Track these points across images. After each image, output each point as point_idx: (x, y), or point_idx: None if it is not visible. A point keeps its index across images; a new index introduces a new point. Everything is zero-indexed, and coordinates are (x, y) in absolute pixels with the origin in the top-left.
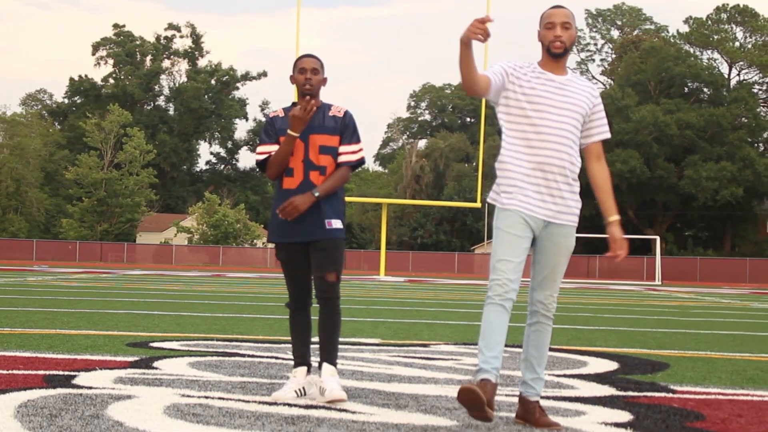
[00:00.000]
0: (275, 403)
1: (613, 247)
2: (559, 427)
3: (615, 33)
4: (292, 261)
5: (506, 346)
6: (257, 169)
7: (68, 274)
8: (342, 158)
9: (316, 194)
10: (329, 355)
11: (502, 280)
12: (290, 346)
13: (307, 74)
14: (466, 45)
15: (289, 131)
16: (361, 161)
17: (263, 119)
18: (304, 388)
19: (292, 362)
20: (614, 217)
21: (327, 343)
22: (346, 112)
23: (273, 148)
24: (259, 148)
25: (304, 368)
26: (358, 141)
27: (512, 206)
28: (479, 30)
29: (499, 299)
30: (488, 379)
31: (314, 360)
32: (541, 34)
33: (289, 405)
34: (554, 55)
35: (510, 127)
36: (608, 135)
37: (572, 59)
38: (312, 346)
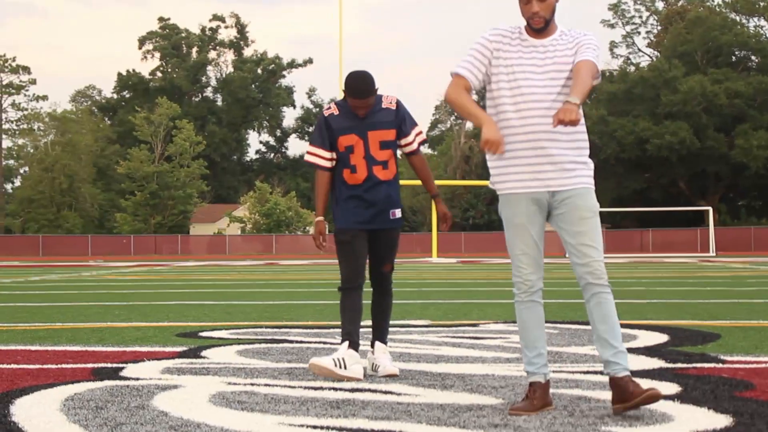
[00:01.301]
0: (321, 388)
1: (557, 114)
2: (658, 393)
3: (660, 4)
4: (355, 243)
5: (553, 322)
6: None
7: (122, 267)
8: (407, 149)
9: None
10: (382, 335)
11: (523, 278)
12: (339, 330)
13: (361, 111)
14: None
15: (313, 228)
16: (424, 141)
17: (310, 106)
18: (344, 359)
19: (345, 341)
20: (574, 98)
21: (380, 323)
22: (398, 103)
23: (323, 154)
24: (311, 148)
25: (347, 343)
26: (414, 125)
27: (509, 189)
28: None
29: (526, 296)
30: (537, 382)
31: (364, 344)
32: (520, 8)
33: (334, 389)
34: (536, 30)
35: (497, 102)
36: (590, 57)
37: (617, 32)
38: (362, 329)
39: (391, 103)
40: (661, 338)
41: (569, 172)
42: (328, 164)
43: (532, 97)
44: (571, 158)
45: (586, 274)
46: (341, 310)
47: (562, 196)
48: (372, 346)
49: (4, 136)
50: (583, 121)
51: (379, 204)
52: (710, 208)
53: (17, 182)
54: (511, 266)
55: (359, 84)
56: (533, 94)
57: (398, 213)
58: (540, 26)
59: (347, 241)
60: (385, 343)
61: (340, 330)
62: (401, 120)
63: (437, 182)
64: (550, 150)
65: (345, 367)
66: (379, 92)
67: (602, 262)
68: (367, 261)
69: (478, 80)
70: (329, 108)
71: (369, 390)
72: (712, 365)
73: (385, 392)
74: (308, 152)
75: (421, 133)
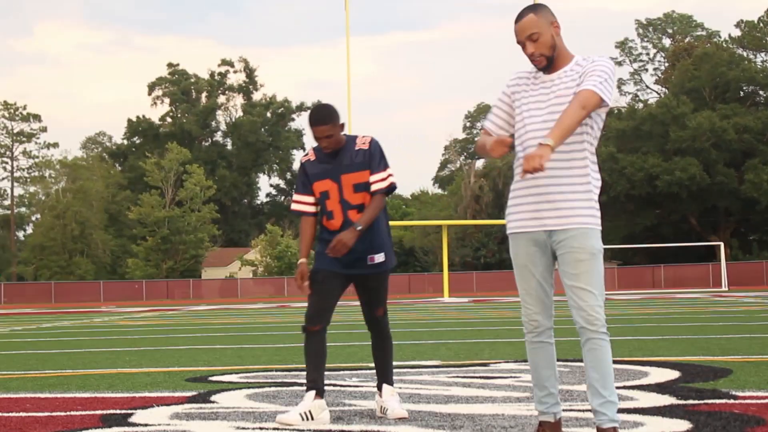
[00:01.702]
0: (330, 431)
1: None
2: None
3: (667, 41)
4: (325, 283)
5: (565, 360)
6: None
7: (134, 313)
8: (374, 187)
9: (358, 228)
10: (386, 377)
11: (530, 318)
12: (349, 373)
13: (323, 142)
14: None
15: (298, 270)
16: (392, 187)
17: None
18: (310, 411)
19: (310, 389)
20: (546, 140)
21: (383, 365)
22: (371, 141)
23: (306, 200)
24: (295, 196)
25: (313, 392)
26: (385, 167)
27: (511, 229)
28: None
29: (534, 337)
30: (546, 422)
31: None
32: (523, 52)
33: None
34: (541, 70)
35: (515, 146)
36: (588, 86)
37: (625, 70)
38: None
39: (364, 143)
40: (673, 374)
41: (566, 211)
42: (312, 209)
43: (532, 135)
44: (569, 197)
45: (580, 319)
46: (305, 354)
47: (559, 237)
48: (379, 389)
49: (15, 184)
50: (588, 156)
51: (356, 251)
52: (722, 243)
53: (29, 229)
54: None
55: (315, 113)
56: (534, 131)
57: (379, 258)
58: (542, 65)
59: (318, 281)
60: (391, 384)
61: (344, 372)
62: (371, 158)
63: (449, 222)
64: (547, 188)
65: (312, 419)
66: (356, 133)
67: (599, 307)
68: (360, 307)
69: (502, 130)
70: (307, 154)
71: None
72: (723, 401)
73: None
74: (293, 200)
75: (390, 177)
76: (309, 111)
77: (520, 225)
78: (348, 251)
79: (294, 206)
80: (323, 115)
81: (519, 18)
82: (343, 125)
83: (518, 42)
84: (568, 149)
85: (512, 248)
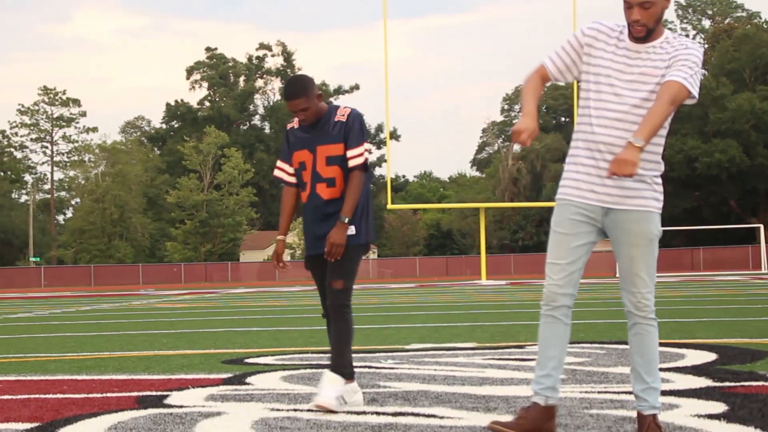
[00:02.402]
0: (364, 413)
1: (611, 165)
2: None
3: (706, 23)
4: (313, 271)
5: (601, 342)
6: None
7: (173, 296)
8: (352, 162)
9: (345, 221)
10: (333, 361)
11: (550, 289)
12: (384, 355)
13: (300, 115)
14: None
15: (276, 239)
16: (366, 164)
17: None
18: (342, 396)
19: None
20: (637, 140)
21: (333, 350)
22: (350, 113)
23: (287, 169)
24: (278, 163)
25: (333, 375)
26: (361, 142)
27: (563, 195)
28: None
29: (548, 310)
30: (536, 403)
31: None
32: (624, 11)
33: (377, 413)
34: (637, 39)
35: (582, 104)
36: (679, 79)
37: None
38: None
39: (343, 115)
40: (709, 357)
41: (629, 191)
42: (293, 179)
43: (606, 105)
44: (638, 177)
45: (630, 304)
46: (329, 339)
47: (617, 216)
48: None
49: (55, 168)
50: (660, 137)
51: (320, 227)
52: (761, 226)
53: (69, 213)
54: None
55: (288, 86)
56: (609, 102)
57: (352, 230)
58: (641, 35)
59: (311, 271)
60: (338, 373)
61: (380, 355)
62: (348, 131)
63: (486, 205)
64: (607, 163)
65: (346, 403)
66: (339, 103)
67: (650, 293)
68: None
69: (559, 72)
70: (291, 121)
71: (412, 414)
72: (760, 383)
73: (428, 416)
74: (276, 166)
75: (365, 152)
76: (284, 84)
77: (574, 193)
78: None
79: (276, 173)
80: (297, 89)
81: None
82: (320, 95)
83: (626, 3)
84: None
85: (557, 215)
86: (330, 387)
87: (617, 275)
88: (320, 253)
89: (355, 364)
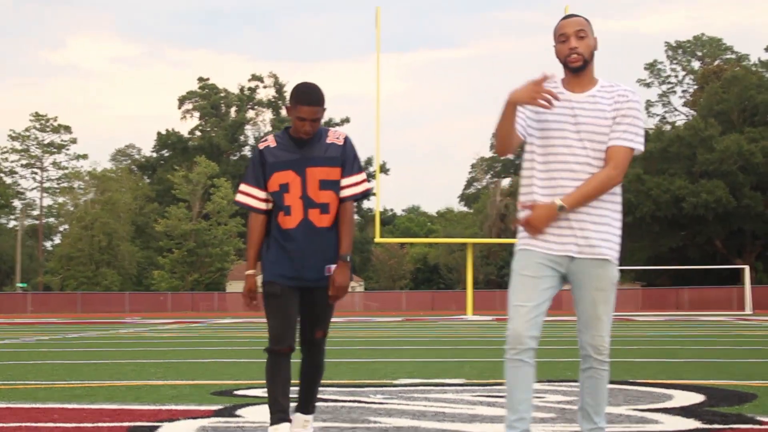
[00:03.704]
0: None
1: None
2: None
3: (696, 64)
4: (285, 298)
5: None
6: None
7: (159, 325)
8: (345, 192)
9: (348, 260)
10: (304, 405)
11: (515, 332)
12: (373, 390)
13: (307, 125)
14: (513, 106)
15: (245, 280)
16: (367, 193)
17: None
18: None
19: (282, 421)
20: (561, 203)
21: (306, 392)
22: (347, 139)
23: (256, 194)
24: (243, 187)
25: (287, 425)
26: (360, 170)
27: (525, 246)
28: (540, 96)
29: (514, 353)
30: None
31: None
32: (556, 49)
33: None
34: (573, 70)
35: (526, 158)
36: (626, 143)
37: (653, 91)
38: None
39: (338, 138)
40: (697, 398)
41: (590, 240)
42: (262, 206)
43: (561, 158)
44: (602, 228)
45: (589, 346)
46: (270, 381)
47: (579, 264)
48: (299, 411)
49: (44, 194)
50: (616, 187)
51: (312, 256)
52: (747, 267)
53: (57, 240)
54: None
55: (309, 90)
56: (561, 154)
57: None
58: (578, 64)
59: (275, 294)
60: (308, 413)
61: (368, 389)
62: (347, 158)
63: (474, 240)
64: (576, 214)
65: None
66: (328, 127)
67: (608, 337)
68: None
69: (525, 132)
70: (265, 140)
71: None
72: (748, 426)
73: None
74: (239, 191)
75: (364, 182)
76: (296, 87)
77: (541, 244)
78: (306, 261)
79: (241, 198)
80: (318, 96)
81: (568, 16)
82: (324, 111)
83: (560, 36)
84: None
85: (520, 260)
86: (308, 430)
87: (577, 320)
88: (306, 283)
89: (344, 398)
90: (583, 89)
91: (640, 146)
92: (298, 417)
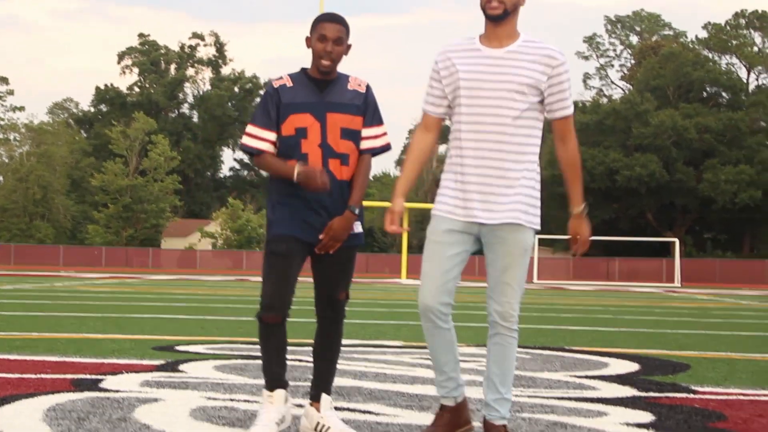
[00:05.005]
0: (300, 406)
1: (572, 242)
2: None
3: (634, 39)
4: (291, 259)
5: (525, 347)
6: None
7: (94, 279)
8: (366, 144)
9: (356, 211)
10: (327, 384)
11: (423, 303)
12: (312, 348)
13: (329, 45)
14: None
15: (295, 173)
16: (387, 147)
17: None
18: (284, 417)
19: (276, 387)
20: (577, 209)
21: (327, 370)
22: (368, 86)
23: (268, 137)
24: (251, 129)
25: (282, 392)
26: (381, 122)
27: (436, 212)
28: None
29: (426, 321)
30: (447, 406)
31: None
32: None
33: None
34: (492, 18)
35: (454, 120)
36: (569, 111)
37: (591, 65)
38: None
39: (360, 85)
40: (633, 367)
41: (503, 206)
42: (273, 149)
43: (478, 119)
44: (502, 191)
45: (496, 313)
46: (265, 349)
47: (491, 229)
48: (315, 399)
49: None
50: (536, 153)
51: (333, 211)
52: (677, 240)
53: None
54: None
55: (333, 13)
56: (479, 114)
57: (358, 227)
58: (497, 12)
59: (281, 254)
60: (330, 395)
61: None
62: (369, 106)
63: (409, 205)
64: (489, 177)
65: (284, 422)
66: (347, 75)
67: (518, 304)
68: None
69: (443, 108)
70: (280, 78)
71: (348, 409)
72: (683, 395)
73: (364, 412)
74: (248, 134)
75: (386, 135)
76: (321, 13)
77: (450, 210)
78: (323, 217)
79: (250, 141)
80: (343, 18)
81: None
82: (349, 47)
83: None
84: (521, 141)
85: (431, 226)
86: (334, 414)
87: (487, 287)
88: (310, 241)
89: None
90: (502, 44)
91: (571, 105)
92: (325, 400)
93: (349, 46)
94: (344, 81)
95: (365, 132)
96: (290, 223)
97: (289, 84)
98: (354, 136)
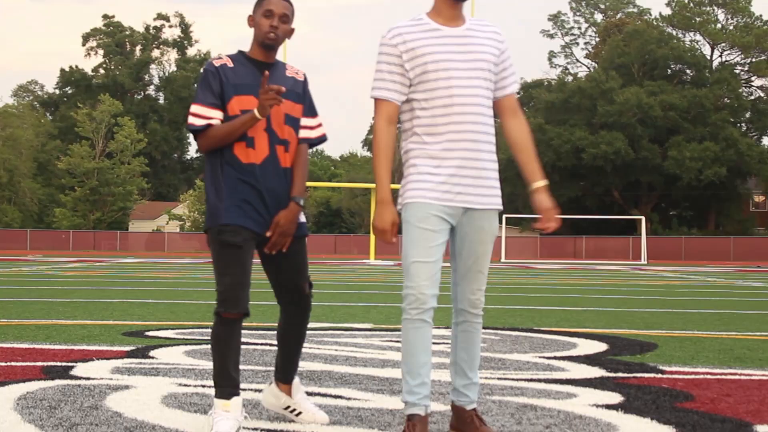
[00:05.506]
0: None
1: (542, 219)
2: None
3: (598, 16)
4: (247, 251)
5: (494, 328)
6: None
7: (62, 263)
8: (305, 134)
9: (301, 203)
10: (294, 369)
11: (418, 291)
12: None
13: (274, 21)
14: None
15: (256, 112)
16: (323, 138)
17: None
18: (239, 427)
19: (233, 395)
20: (539, 183)
21: (296, 353)
22: (305, 76)
23: (214, 115)
24: (196, 108)
25: (239, 399)
26: (317, 113)
27: (421, 198)
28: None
29: (417, 314)
30: (416, 415)
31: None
32: None
33: None
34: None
35: (425, 105)
36: (516, 87)
37: (556, 43)
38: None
39: (297, 73)
40: (600, 347)
41: (489, 189)
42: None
43: (458, 99)
44: (491, 171)
45: (466, 300)
46: (220, 350)
47: (472, 215)
48: (284, 382)
49: None
50: (493, 132)
51: (282, 200)
52: (643, 217)
53: None
54: (404, 275)
55: None
56: (459, 95)
57: (302, 216)
58: None
59: (235, 245)
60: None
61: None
62: (307, 96)
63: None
64: (476, 160)
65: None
66: (283, 62)
67: (484, 290)
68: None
69: (403, 95)
70: (219, 58)
71: (319, 394)
72: (651, 375)
73: (336, 396)
74: (194, 114)
75: (322, 126)
76: None
77: (439, 196)
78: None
79: (197, 121)
80: None
81: None
82: (293, 30)
83: None
84: (492, 123)
85: (417, 211)
86: (308, 399)
87: (453, 272)
88: (259, 232)
89: (255, 341)
90: (458, 23)
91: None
92: (297, 384)
93: (292, 30)
94: (282, 67)
95: (307, 121)
96: (242, 212)
97: (230, 64)
98: (295, 123)
